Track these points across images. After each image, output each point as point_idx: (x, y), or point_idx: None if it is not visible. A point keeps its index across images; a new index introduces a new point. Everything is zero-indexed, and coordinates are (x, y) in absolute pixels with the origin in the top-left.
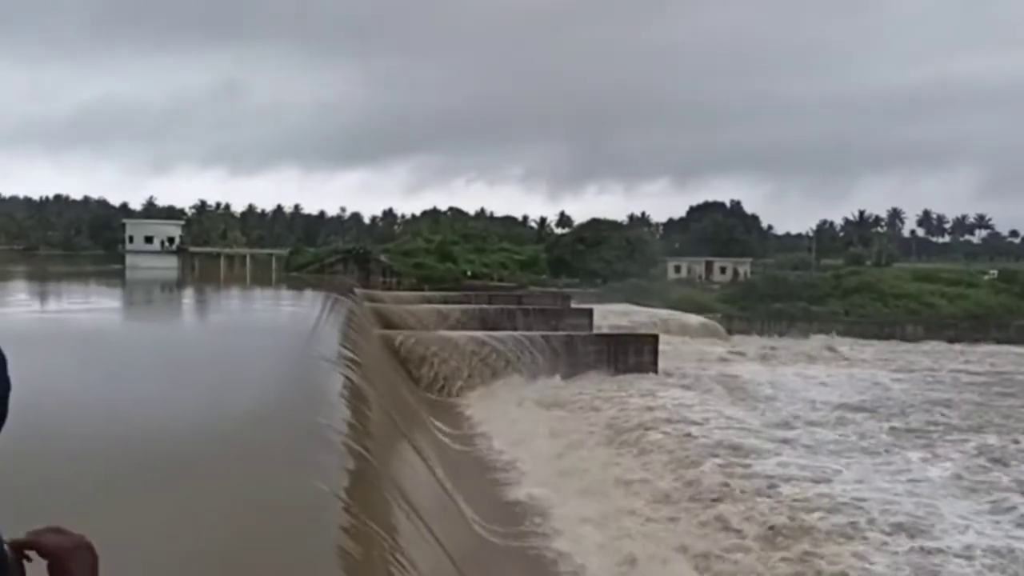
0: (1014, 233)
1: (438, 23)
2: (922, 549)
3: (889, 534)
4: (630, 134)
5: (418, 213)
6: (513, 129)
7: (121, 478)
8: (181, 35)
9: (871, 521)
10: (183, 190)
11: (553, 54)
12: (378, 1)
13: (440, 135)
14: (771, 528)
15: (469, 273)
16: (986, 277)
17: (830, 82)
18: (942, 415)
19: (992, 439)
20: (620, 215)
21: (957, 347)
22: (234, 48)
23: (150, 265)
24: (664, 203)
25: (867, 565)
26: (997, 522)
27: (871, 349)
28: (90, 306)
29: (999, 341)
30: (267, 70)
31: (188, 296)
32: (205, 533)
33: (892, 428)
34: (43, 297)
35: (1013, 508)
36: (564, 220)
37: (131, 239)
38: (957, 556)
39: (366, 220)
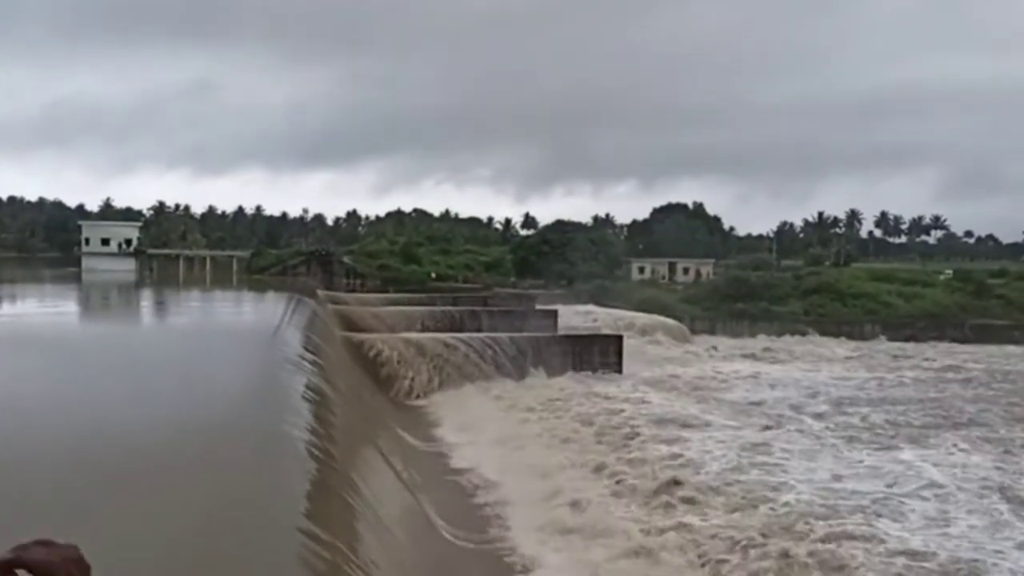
0: (968, 234)
1: (410, 25)
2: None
3: None
4: (599, 135)
5: (383, 214)
6: (483, 130)
7: (80, 486)
8: (151, 34)
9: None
10: (146, 191)
11: (524, 56)
12: (350, 3)
13: (410, 136)
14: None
15: (434, 275)
16: (942, 277)
17: (795, 86)
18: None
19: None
20: (587, 216)
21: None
22: (205, 47)
23: (107, 267)
24: (631, 204)
25: None
26: None
27: (830, 347)
28: (46, 309)
29: (955, 340)
30: (237, 70)
31: (145, 299)
32: (167, 538)
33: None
34: None
35: None
36: (529, 221)
37: (87, 241)
38: None
39: (330, 222)
